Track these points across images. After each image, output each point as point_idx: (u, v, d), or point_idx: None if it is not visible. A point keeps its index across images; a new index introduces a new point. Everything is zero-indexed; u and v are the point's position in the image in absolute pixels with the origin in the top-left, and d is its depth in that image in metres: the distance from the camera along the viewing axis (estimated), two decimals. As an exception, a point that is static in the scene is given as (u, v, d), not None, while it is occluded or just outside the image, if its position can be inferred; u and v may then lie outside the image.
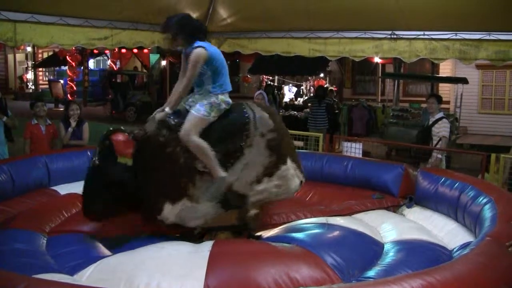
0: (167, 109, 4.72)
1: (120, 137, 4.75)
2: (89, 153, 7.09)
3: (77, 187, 6.52)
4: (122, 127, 5.01)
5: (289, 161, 5.09)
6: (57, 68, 28.53)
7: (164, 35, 4.85)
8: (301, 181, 5.28)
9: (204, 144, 4.60)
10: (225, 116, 4.87)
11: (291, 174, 5.13)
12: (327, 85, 20.71)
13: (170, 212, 4.65)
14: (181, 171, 4.65)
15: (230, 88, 4.94)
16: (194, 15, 9.44)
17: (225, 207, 4.84)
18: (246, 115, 4.91)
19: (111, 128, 4.88)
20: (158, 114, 4.76)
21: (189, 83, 4.73)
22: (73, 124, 7.89)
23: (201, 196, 4.72)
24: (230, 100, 4.93)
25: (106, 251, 4.57)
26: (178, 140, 4.62)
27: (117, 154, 4.67)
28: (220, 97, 4.81)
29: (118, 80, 23.61)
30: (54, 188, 6.51)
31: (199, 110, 4.68)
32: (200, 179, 4.72)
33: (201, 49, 4.66)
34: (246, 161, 4.83)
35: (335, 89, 21.19)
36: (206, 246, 4.30)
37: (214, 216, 4.86)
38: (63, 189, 6.44)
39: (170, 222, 4.69)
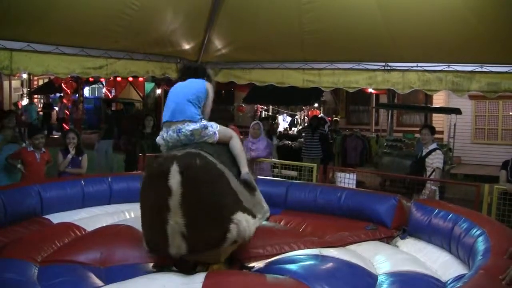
0: None
1: None
2: (82, 182, 7.11)
3: (70, 216, 6.56)
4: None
5: None
6: (52, 95, 28.57)
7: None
8: None
9: None
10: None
11: None
12: (337, 117, 20.97)
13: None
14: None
15: None
16: (189, 45, 9.55)
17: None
18: None
19: None
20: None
21: None
22: (72, 151, 7.95)
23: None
24: None
25: (98, 282, 4.53)
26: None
27: None
28: None
29: (113, 108, 23.62)
30: (47, 217, 6.47)
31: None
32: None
33: None
34: None
35: (339, 118, 21.47)
36: (199, 278, 4.27)
37: None
38: (56, 218, 6.41)
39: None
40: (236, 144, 5.23)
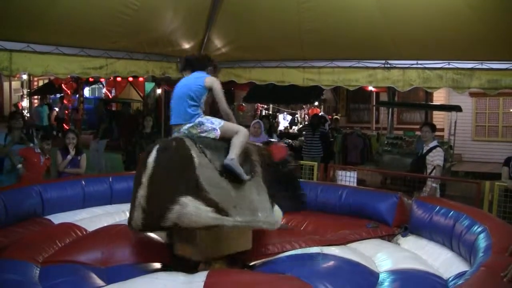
0: None
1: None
2: (83, 182, 7.11)
3: (71, 216, 6.56)
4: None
5: None
6: (53, 96, 28.54)
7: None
8: None
9: None
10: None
11: None
12: (337, 115, 20.95)
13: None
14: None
15: None
16: (189, 44, 9.53)
17: None
18: None
19: None
20: None
21: None
22: (72, 152, 7.98)
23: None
24: None
25: (99, 282, 4.53)
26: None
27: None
28: None
29: (113, 108, 23.62)
30: (48, 217, 6.48)
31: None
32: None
33: None
34: None
35: (340, 116, 21.42)
36: (201, 277, 4.27)
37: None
38: (57, 219, 6.41)
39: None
40: (237, 137, 5.07)
